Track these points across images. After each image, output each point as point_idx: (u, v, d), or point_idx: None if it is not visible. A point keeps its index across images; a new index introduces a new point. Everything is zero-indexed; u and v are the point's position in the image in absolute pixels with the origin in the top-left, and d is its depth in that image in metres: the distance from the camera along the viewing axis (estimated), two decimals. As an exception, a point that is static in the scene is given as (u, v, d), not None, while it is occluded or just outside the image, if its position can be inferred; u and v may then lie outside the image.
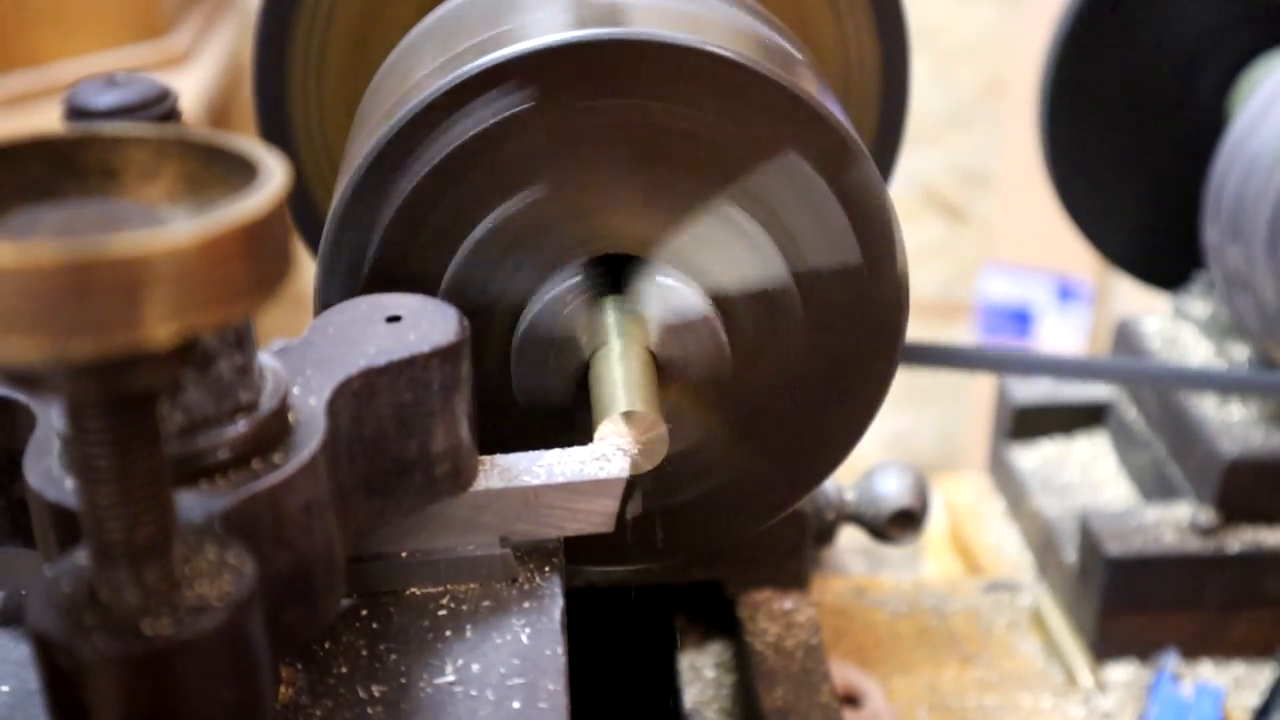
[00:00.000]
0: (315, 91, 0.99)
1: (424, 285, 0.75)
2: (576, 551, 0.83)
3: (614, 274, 0.77)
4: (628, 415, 0.71)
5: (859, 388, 0.80)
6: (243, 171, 0.48)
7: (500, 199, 0.74)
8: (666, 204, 0.75)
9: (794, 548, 0.99)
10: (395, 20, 0.95)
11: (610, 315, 0.76)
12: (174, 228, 0.43)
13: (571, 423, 0.78)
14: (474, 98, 0.72)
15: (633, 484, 0.74)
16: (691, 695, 1.00)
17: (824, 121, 0.74)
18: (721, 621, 1.03)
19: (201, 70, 2.28)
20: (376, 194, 0.74)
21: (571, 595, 0.99)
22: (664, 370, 0.77)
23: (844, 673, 1.09)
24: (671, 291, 0.76)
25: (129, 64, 2.18)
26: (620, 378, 0.73)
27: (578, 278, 0.76)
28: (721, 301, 0.77)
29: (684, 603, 1.06)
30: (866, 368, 0.80)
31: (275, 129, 1.00)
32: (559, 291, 0.76)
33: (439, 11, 0.84)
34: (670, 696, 1.02)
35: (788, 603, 0.98)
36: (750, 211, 0.75)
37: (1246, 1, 1.25)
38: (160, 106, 0.59)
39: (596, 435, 0.71)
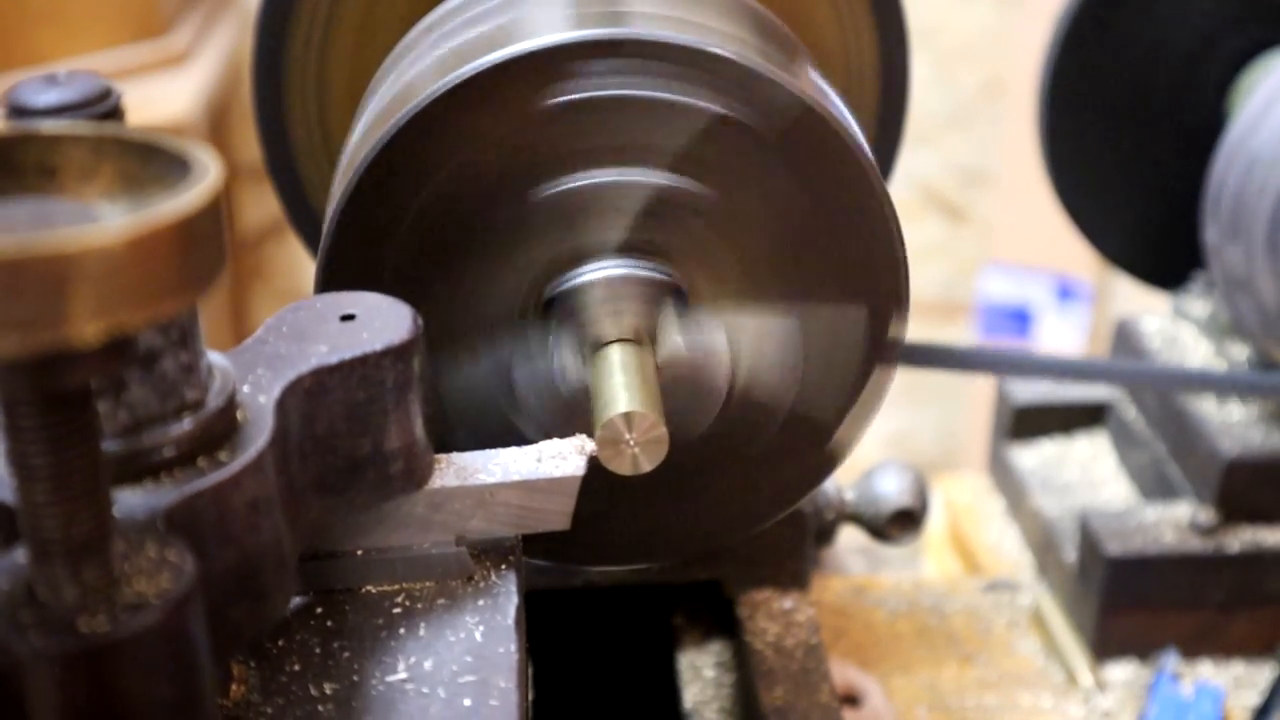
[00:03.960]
0: (315, 91, 0.99)
1: (425, 284, 0.76)
2: (578, 550, 0.83)
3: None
4: (627, 416, 0.71)
5: (837, 193, 0.76)
6: (180, 170, 0.48)
7: (490, 207, 0.75)
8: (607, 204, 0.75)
9: (794, 547, 0.99)
10: (396, 19, 0.95)
11: (593, 324, 0.76)
12: (101, 225, 0.44)
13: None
14: (478, 96, 0.72)
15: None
16: (691, 695, 1.00)
17: (662, 45, 0.71)
18: (721, 621, 1.03)
19: (201, 70, 2.28)
20: (377, 195, 0.74)
21: (571, 595, 1.00)
22: (654, 339, 0.77)
23: (844, 672, 1.09)
24: (618, 278, 0.76)
25: (128, 64, 2.18)
26: (620, 378, 0.73)
27: (540, 316, 0.77)
28: (634, 246, 0.76)
29: (684, 602, 1.06)
30: (827, 175, 0.75)
31: (275, 129, 1.00)
32: (534, 342, 0.77)
33: (440, 9, 0.84)
34: (670, 696, 1.02)
35: (787, 602, 0.98)
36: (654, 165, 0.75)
37: (1246, 1, 1.25)
38: (101, 105, 0.59)
39: (597, 434, 0.71)
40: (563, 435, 0.77)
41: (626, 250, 0.76)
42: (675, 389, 0.77)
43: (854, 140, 0.75)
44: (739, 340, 0.78)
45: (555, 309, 0.77)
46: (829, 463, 0.84)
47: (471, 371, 0.78)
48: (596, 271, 0.76)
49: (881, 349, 0.79)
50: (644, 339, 0.76)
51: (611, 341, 0.75)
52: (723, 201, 0.76)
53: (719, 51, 0.72)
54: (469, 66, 0.72)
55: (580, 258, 0.76)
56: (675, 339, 0.77)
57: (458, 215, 0.75)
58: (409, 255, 0.76)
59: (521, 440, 0.77)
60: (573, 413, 0.78)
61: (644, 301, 0.76)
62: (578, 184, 0.74)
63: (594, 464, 0.71)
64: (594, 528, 0.76)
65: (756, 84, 0.73)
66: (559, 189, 0.74)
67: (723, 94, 0.73)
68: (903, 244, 0.78)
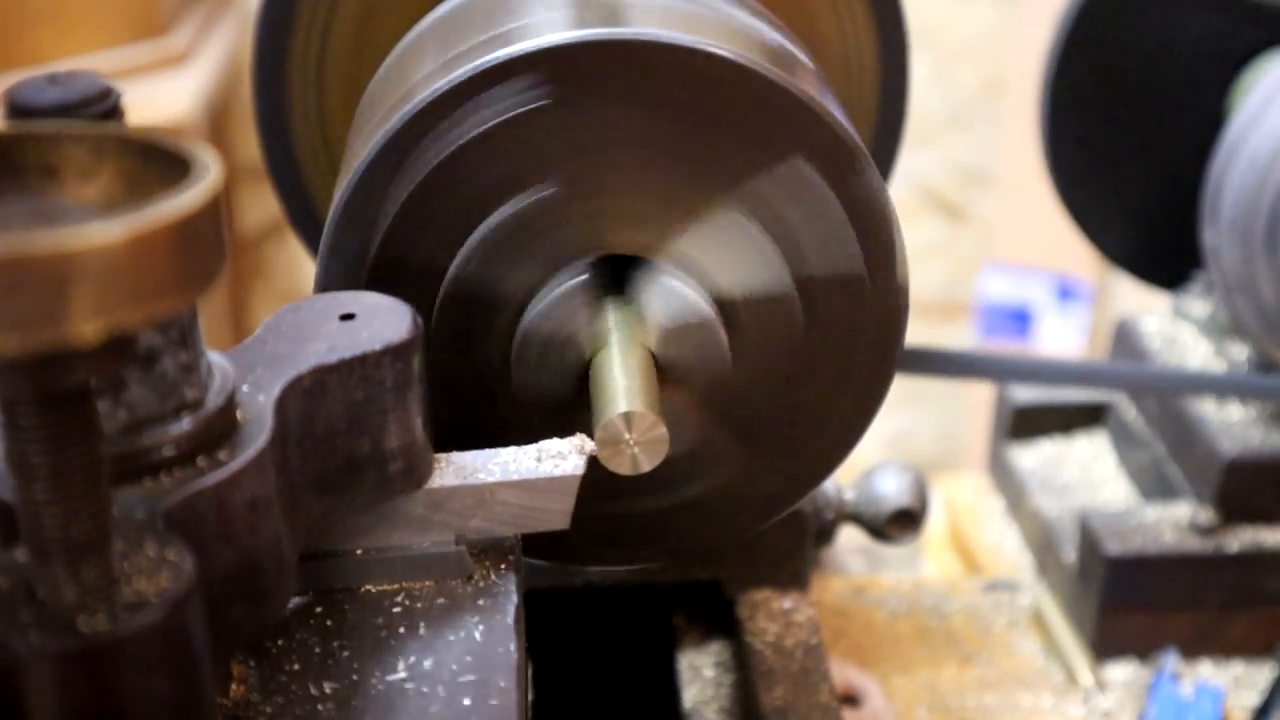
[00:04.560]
0: (315, 91, 0.99)
1: (425, 283, 0.76)
2: (577, 551, 0.83)
3: (618, 274, 0.77)
4: (627, 416, 0.71)
5: (857, 392, 0.80)
6: (180, 169, 0.48)
7: (511, 194, 0.74)
8: (674, 207, 0.75)
9: (793, 547, 0.99)
10: (396, 19, 0.95)
11: (613, 315, 0.76)
12: (101, 225, 0.44)
13: (570, 420, 0.78)
14: (483, 93, 0.72)
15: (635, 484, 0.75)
16: (691, 695, 1.00)
17: (830, 127, 0.74)
18: (721, 621, 1.03)
19: (201, 70, 2.28)
20: (378, 192, 0.74)
21: (571, 595, 1.00)
22: (664, 372, 0.77)
23: (843, 672, 1.09)
24: (675, 294, 0.76)
25: (128, 64, 2.18)
26: (621, 378, 0.73)
27: (583, 277, 0.76)
28: (724, 305, 0.77)
29: (684, 603, 1.06)
30: (865, 373, 0.80)
31: (275, 129, 1.00)
32: (563, 290, 0.76)
33: (440, 10, 0.84)
34: (670, 696, 1.02)
35: (787, 602, 0.98)
36: (756, 216, 0.75)
37: (1246, 2, 1.25)
38: (101, 105, 0.59)
39: (596, 435, 0.71)
40: (529, 376, 0.77)
41: (722, 303, 0.77)
42: (683, 350, 0.77)
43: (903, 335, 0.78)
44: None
45: (636, 282, 0.77)
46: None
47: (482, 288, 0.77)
48: (695, 293, 0.76)
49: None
50: (632, 330, 0.76)
51: (606, 344, 0.75)
52: (799, 338, 0.78)
53: (897, 239, 0.76)
54: (469, 66, 0.72)
55: (699, 276, 0.77)
56: (656, 311, 0.77)
57: (458, 213, 0.75)
58: (410, 253, 0.75)
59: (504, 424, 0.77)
60: (541, 346, 0.77)
61: (697, 352, 0.77)
62: (766, 232, 0.76)
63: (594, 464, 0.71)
64: (593, 527, 0.77)
65: (889, 270, 0.77)
66: (751, 214, 0.75)
67: (871, 257, 0.76)
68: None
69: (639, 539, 0.85)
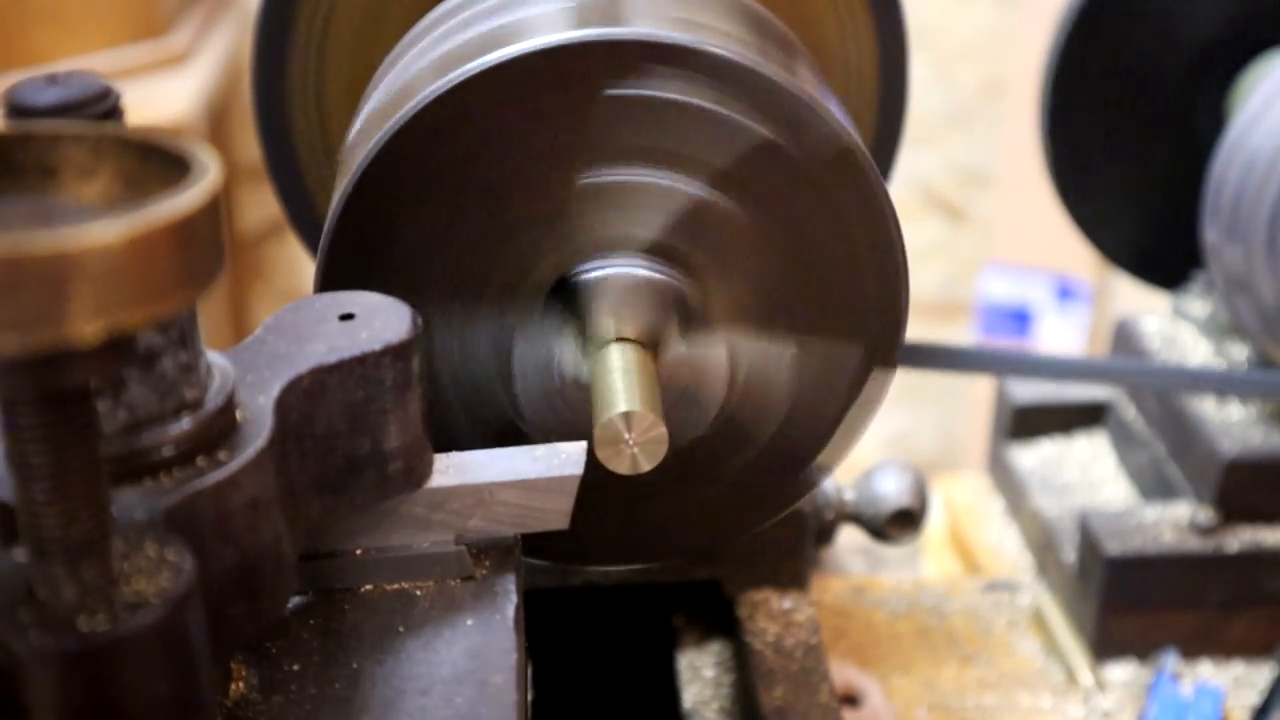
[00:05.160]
0: (315, 91, 0.99)
1: (426, 285, 0.76)
2: (576, 551, 0.83)
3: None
4: (626, 415, 0.71)
5: (858, 232, 0.78)
6: (180, 169, 0.48)
7: (521, 188, 0.75)
8: (634, 206, 0.76)
9: (793, 547, 0.99)
10: (395, 18, 0.95)
11: (603, 319, 0.76)
12: (100, 225, 0.44)
13: (566, 409, 0.79)
14: (485, 92, 0.72)
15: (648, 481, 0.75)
16: (691, 695, 1.00)
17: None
18: (721, 621, 1.03)
19: (201, 70, 2.28)
20: (379, 191, 0.74)
21: (571, 595, 1.00)
22: (658, 344, 0.77)
23: (843, 672, 1.09)
24: (612, 274, 0.76)
25: (128, 64, 2.18)
26: (620, 378, 0.73)
27: (599, 274, 0.76)
28: (659, 250, 0.77)
29: (684, 602, 1.06)
30: (853, 214, 0.77)
31: (275, 129, 1.00)
32: (539, 325, 0.77)
33: (440, 9, 0.84)
34: (670, 696, 1.02)
35: (787, 602, 0.98)
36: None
37: (1246, 1, 1.25)
38: (101, 105, 0.59)
39: (596, 434, 0.71)
40: (546, 420, 0.78)
41: (650, 252, 0.77)
42: (669, 397, 0.77)
43: (881, 185, 0.77)
44: (739, 359, 0.79)
45: (568, 297, 0.77)
46: (804, 487, 0.85)
47: (470, 342, 0.78)
48: (615, 268, 0.76)
49: (861, 390, 0.81)
50: (648, 342, 0.76)
51: (615, 340, 0.75)
52: (751, 223, 0.76)
53: (776, 79, 0.73)
54: (469, 66, 0.72)
55: (602, 251, 0.76)
56: (679, 348, 0.77)
57: (469, 204, 0.75)
58: (414, 244, 0.76)
59: (509, 419, 0.77)
60: (560, 402, 0.78)
61: (655, 305, 0.76)
62: (618, 179, 0.75)
63: (593, 464, 0.71)
64: (593, 528, 0.77)
65: (805, 115, 0.74)
66: (600, 180, 0.75)
67: (770, 119, 0.74)
68: (908, 291, 0.80)
69: (639, 539, 0.85)
